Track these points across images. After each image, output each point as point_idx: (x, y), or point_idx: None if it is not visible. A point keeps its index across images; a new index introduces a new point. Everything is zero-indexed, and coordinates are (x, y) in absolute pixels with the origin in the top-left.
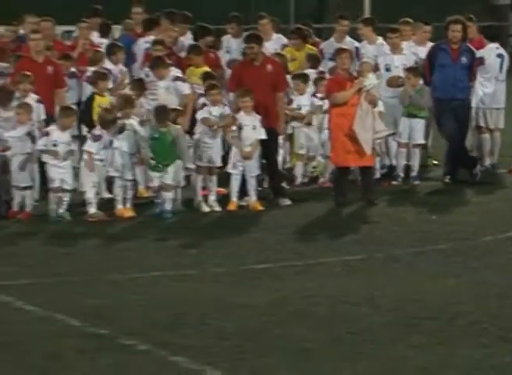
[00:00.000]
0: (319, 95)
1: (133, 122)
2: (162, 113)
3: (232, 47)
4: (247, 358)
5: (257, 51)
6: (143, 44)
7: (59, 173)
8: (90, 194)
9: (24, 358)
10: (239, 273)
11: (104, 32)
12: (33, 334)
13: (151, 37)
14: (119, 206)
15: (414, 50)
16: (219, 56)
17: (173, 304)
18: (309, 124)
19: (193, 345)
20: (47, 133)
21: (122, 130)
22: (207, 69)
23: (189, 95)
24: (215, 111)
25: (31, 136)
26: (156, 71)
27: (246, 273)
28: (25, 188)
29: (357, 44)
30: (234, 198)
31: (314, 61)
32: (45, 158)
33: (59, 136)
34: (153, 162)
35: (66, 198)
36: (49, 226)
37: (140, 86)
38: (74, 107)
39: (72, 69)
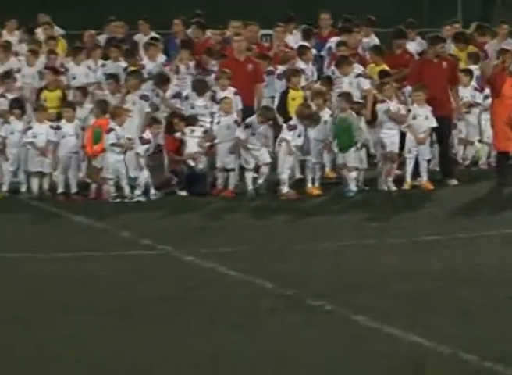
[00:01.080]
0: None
1: (325, 114)
2: (345, 99)
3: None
4: (419, 318)
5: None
6: (329, 45)
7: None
8: (284, 176)
9: (224, 315)
10: (413, 243)
11: (307, 36)
12: (233, 295)
13: (336, 39)
14: (309, 185)
15: None
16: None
17: (356, 270)
18: (469, 113)
19: (373, 306)
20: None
21: (317, 121)
22: (384, 67)
23: (368, 90)
24: (391, 106)
25: (237, 123)
26: (341, 68)
27: (419, 243)
28: (230, 170)
29: None
30: (408, 179)
31: (474, 58)
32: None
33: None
34: (335, 145)
35: (263, 175)
36: (248, 203)
37: (328, 82)
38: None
39: (269, 68)
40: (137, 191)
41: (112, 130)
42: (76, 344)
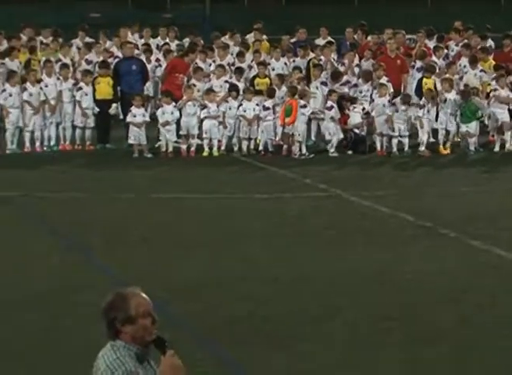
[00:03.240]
0: None
1: (451, 95)
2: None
3: None
4: None
5: None
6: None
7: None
8: (423, 139)
9: (377, 240)
10: None
11: (440, 39)
12: (384, 225)
13: (459, 41)
14: (441, 146)
15: None
16: None
17: (474, 208)
18: None
19: (486, 234)
20: None
21: (439, 101)
22: (492, 62)
23: (486, 81)
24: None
25: (389, 102)
26: (472, 64)
27: None
28: (384, 136)
29: None
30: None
31: None
32: None
33: None
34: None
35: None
36: (394, 159)
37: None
38: None
39: (412, 63)
40: (331, 149)
41: (304, 106)
42: None
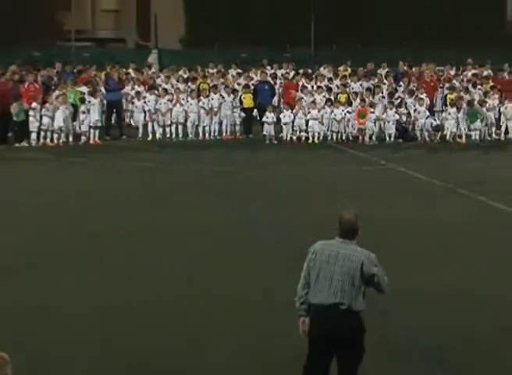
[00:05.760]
0: None
1: None
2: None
3: None
4: None
5: None
6: None
7: None
8: None
9: (412, 198)
10: None
11: None
12: (420, 190)
13: None
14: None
15: None
16: None
17: (488, 174)
18: None
19: (502, 191)
20: None
21: None
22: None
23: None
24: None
25: None
26: None
27: None
28: None
29: None
30: None
31: None
32: None
33: None
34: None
35: None
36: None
37: None
38: None
39: None
40: (388, 138)
41: (372, 112)
42: None
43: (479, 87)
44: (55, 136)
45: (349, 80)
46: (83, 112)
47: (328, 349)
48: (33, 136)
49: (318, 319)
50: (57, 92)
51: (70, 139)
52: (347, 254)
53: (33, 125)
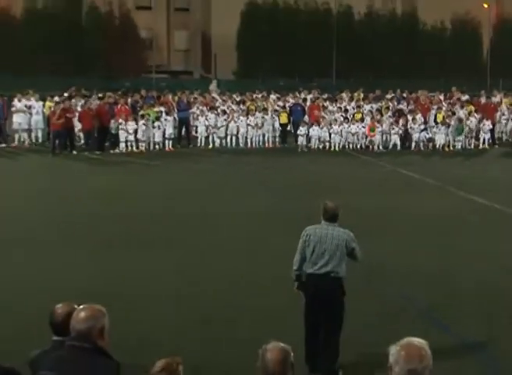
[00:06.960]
0: None
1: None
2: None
3: None
4: None
5: None
6: None
7: None
8: None
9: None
10: None
11: None
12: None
13: None
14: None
15: None
16: None
17: (462, 175)
18: None
19: (482, 189)
20: None
21: None
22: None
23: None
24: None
25: None
26: None
27: None
28: None
29: None
30: None
31: None
32: None
33: None
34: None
35: None
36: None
37: None
38: None
39: None
40: (391, 147)
41: (380, 126)
42: None
43: (465, 108)
44: (140, 144)
45: (362, 103)
46: (158, 127)
47: (320, 307)
48: (122, 145)
49: (312, 284)
50: (142, 112)
51: (150, 147)
52: (334, 234)
53: (122, 136)
